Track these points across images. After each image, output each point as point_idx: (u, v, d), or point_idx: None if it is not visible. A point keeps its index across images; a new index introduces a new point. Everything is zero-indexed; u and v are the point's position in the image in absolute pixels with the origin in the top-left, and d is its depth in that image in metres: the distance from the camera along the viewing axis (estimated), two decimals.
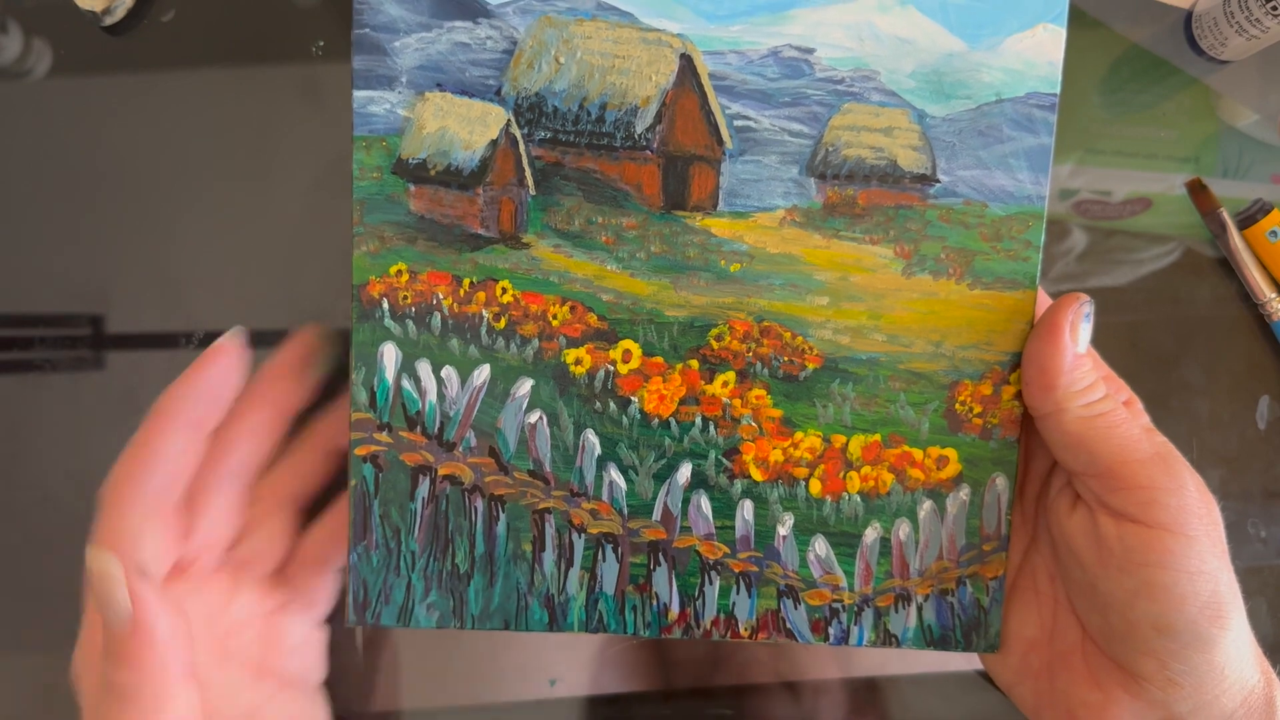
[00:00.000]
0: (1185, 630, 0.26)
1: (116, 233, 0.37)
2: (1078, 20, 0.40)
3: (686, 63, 0.29)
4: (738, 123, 0.29)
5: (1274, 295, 0.39)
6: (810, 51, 0.29)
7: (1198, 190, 0.39)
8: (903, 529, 0.31)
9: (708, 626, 0.31)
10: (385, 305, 0.29)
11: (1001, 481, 0.30)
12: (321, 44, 0.36)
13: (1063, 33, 0.28)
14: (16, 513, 0.36)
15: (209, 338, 0.36)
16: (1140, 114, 0.40)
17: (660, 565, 0.31)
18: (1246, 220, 0.39)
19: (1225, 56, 0.39)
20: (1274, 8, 0.35)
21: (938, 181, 0.29)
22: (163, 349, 0.36)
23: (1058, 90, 0.29)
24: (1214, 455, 0.39)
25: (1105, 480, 0.27)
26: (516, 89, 0.29)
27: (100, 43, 0.37)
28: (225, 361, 0.29)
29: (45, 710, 0.36)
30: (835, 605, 0.31)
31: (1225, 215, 0.39)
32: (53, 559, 0.35)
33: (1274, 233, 0.38)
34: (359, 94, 0.29)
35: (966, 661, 0.39)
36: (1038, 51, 0.28)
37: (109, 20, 0.37)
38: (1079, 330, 0.28)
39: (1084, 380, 0.28)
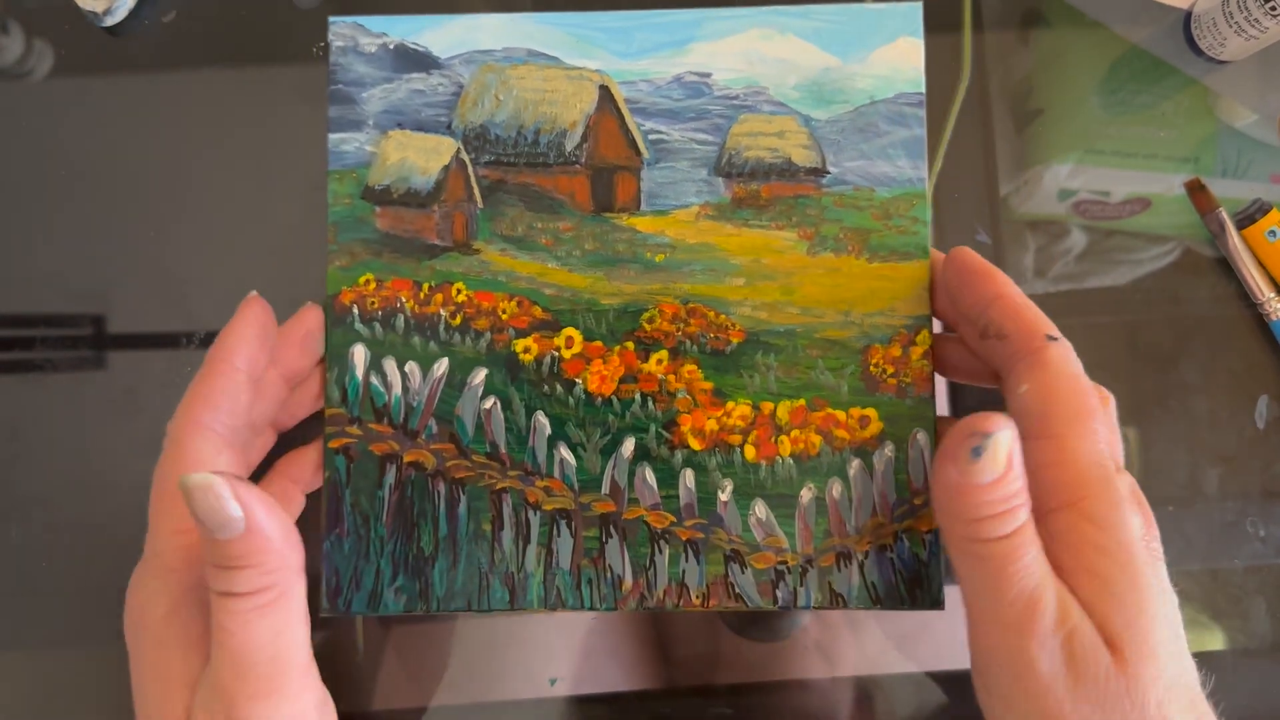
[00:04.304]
0: None
1: (117, 233, 0.38)
2: (1077, 21, 0.40)
3: (605, 92, 0.34)
4: (652, 136, 0.34)
5: (1273, 295, 0.38)
6: (708, 75, 0.34)
7: (1197, 190, 0.39)
8: (835, 488, 0.33)
9: (660, 596, 0.33)
10: (355, 311, 0.33)
11: (923, 437, 0.33)
12: (321, 45, 0.37)
13: (920, 42, 0.34)
14: (16, 513, 0.37)
15: (209, 338, 0.37)
16: (1139, 114, 0.40)
17: (612, 537, 0.33)
18: (1245, 220, 0.39)
19: (1224, 57, 0.40)
20: (1273, 8, 0.36)
21: (828, 173, 0.34)
22: (163, 349, 0.37)
23: (923, 89, 0.33)
24: (1213, 455, 0.39)
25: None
26: (464, 123, 0.34)
27: (101, 43, 0.38)
28: (262, 308, 0.31)
29: (46, 709, 0.36)
30: (780, 568, 0.32)
31: (1224, 215, 0.39)
32: (53, 559, 0.36)
33: (1273, 232, 0.38)
34: (333, 136, 0.34)
35: (964, 660, 0.38)
36: (901, 60, 0.34)
37: (109, 20, 0.38)
38: (964, 462, 0.26)
39: (972, 512, 0.26)
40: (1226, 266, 0.40)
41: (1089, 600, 0.26)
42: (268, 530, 0.24)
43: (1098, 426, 0.28)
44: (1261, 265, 0.39)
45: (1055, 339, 0.29)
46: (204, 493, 0.23)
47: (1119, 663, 0.25)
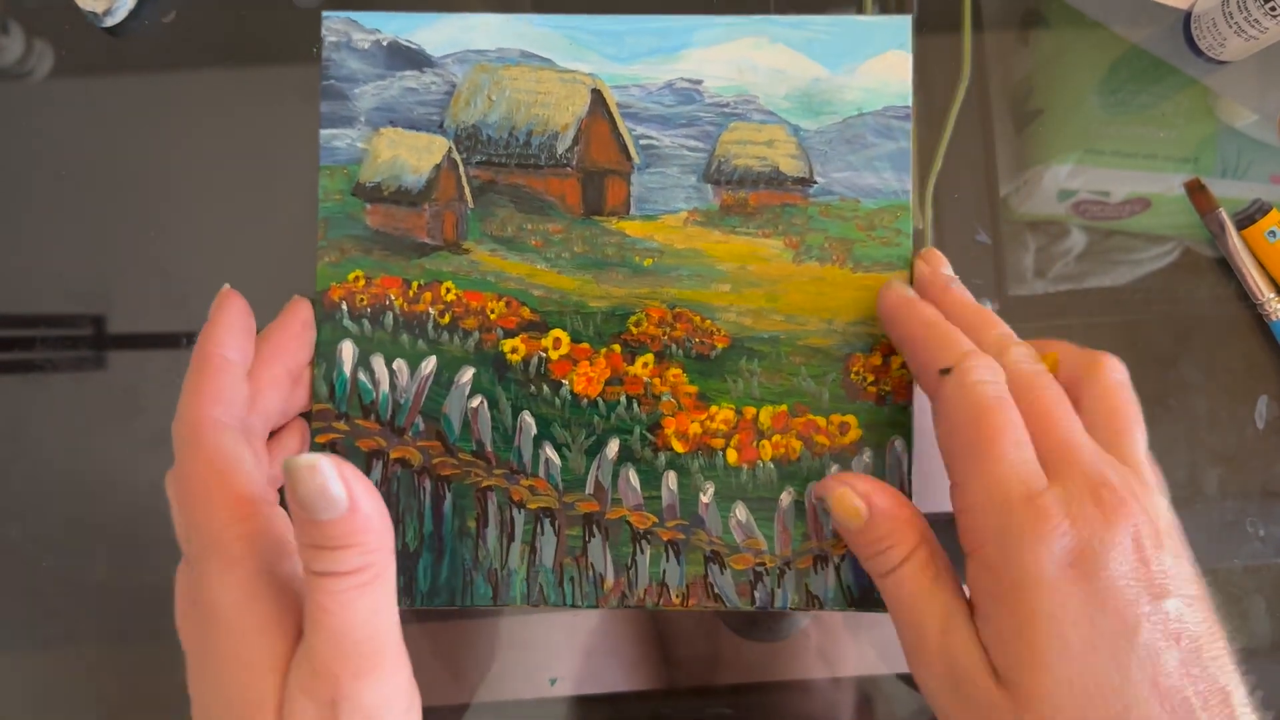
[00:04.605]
0: None
1: (116, 233, 0.38)
2: (1077, 21, 0.40)
3: (597, 96, 0.34)
4: (643, 141, 0.34)
5: (1272, 295, 0.39)
6: (699, 82, 0.34)
7: (1196, 190, 0.39)
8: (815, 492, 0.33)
9: (641, 595, 0.33)
10: (344, 307, 0.34)
11: (900, 444, 0.34)
12: (320, 44, 0.36)
13: (908, 56, 0.34)
14: (16, 513, 0.37)
15: None
16: (1139, 114, 0.40)
17: (595, 536, 0.33)
18: (1245, 220, 0.39)
19: (1224, 57, 0.40)
20: (1272, 8, 0.36)
21: (815, 183, 0.34)
22: (163, 349, 0.37)
23: (910, 103, 0.34)
24: (1213, 454, 0.39)
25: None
26: (456, 122, 0.34)
27: (101, 43, 0.38)
28: (241, 301, 0.31)
29: (46, 709, 0.36)
30: (759, 569, 0.33)
31: (1224, 215, 0.39)
32: (53, 559, 0.36)
33: (1273, 233, 0.38)
34: (325, 132, 0.34)
35: None
36: (889, 73, 0.34)
37: (109, 20, 0.38)
38: (834, 514, 0.30)
39: (855, 552, 0.30)
40: (1226, 266, 0.40)
41: (987, 642, 0.27)
42: (367, 510, 0.24)
43: (1003, 450, 0.27)
44: (1261, 265, 0.39)
45: (947, 371, 0.29)
46: (312, 473, 0.23)
47: (1011, 703, 0.25)
